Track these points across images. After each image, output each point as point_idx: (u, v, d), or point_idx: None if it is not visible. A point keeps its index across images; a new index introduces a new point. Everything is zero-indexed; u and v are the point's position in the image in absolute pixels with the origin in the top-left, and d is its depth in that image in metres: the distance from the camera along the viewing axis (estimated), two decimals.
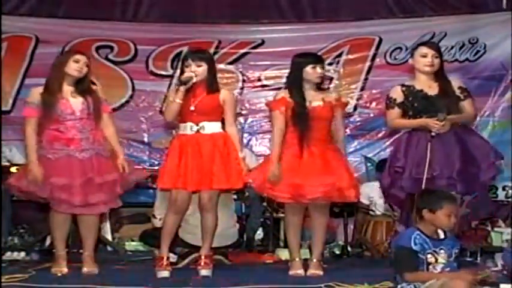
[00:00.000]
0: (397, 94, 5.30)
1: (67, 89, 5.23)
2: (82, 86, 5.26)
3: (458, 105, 5.25)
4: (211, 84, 5.27)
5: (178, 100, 5.14)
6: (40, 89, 5.24)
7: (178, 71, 5.50)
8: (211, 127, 5.24)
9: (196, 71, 5.18)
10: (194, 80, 5.15)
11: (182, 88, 5.14)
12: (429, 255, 4.23)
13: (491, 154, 5.25)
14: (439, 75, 5.27)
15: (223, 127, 5.32)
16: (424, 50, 5.29)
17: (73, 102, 5.21)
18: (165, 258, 5.24)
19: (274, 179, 5.18)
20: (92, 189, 5.16)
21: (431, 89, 5.24)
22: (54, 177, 5.11)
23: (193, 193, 5.28)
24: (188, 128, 5.23)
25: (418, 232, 4.26)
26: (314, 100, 5.28)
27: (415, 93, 5.24)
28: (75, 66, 5.21)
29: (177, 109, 5.17)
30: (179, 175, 5.16)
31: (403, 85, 5.33)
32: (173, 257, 5.66)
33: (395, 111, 5.29)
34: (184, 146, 5.21)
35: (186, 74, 5.16)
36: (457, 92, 5.28)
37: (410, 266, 4.21)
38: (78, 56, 5.25)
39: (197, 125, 5.21)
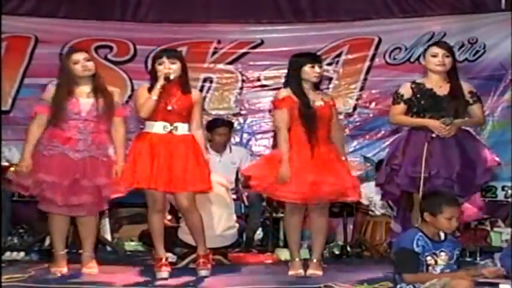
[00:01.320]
0: (406, 90, 5.30)
1: (81, 89, 5.23)
2: (96, 85, 5.24)
3: (466, 108, 5.28)
4: (186, 84, 5.27)
5: (154, 97, 5.09)
6: (55, 89, 5.24)
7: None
8: (183, 128, 5.22)
9: (171, 68, 5.16)
10: (172, 76, 5.12)
11: (159, 85, 5.10)
12: (429, 257, 4.23)
13: (489, 159, 5.28)
14: (451, 76, 5.28)
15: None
16: (435, 49, 5.30)
17: (82, 102, 5.20)
18: (163, 258, 5.24)
19: (285, 180, 5.14)
20: (77, 190, 5.14)
21: (442, 89, 5.25)
22: (42, 174, 5.12)
23: (163, 193, 5.23)
24: (161, 127, 5.18)
25: (420, 234, 4.27)
26: (316, 100, 5.29)
27: (424, 91, 5.25)
28: (79, 68, 5.20)
29: (153, 106, 5.11)
30: (152, 175, 5.11)
31: (413, 82, 5.35)
32: (172, 257, 5.66)
33: (400, 107, 5.30)
34: (156, 145, 5.16)
35: (166, 71, 5.13)
36: (467, 96, 5.29)
37: (411, 267, 4.21)
38: (74, 57, 5.24)
39: (171, 125, 5.18)
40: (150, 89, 5.19)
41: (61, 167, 5.14)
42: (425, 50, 5.42)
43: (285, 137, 5.22)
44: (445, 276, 4.17)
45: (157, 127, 5.18)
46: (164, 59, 5.18)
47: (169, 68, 5.15)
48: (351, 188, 5.28)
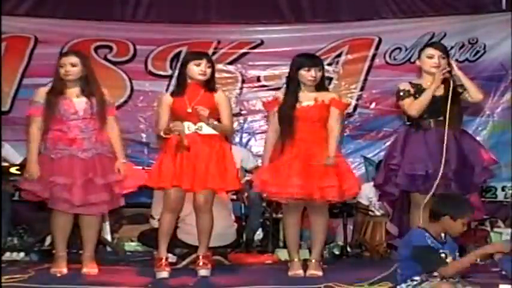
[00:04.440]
0: (409, 86, 5.30)
1: (72, 90, 5.25)
2: (86, 86, 5.26)
3: (461, 108, 5.28)
4: (210, 85, 5.32)
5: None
6: (46, 89, 5.27)
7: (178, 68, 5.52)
8: (209, 128, 5.24)
9: (206, 71, 5.26)
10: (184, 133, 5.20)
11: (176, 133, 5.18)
12: (442, 255, 4.23)
13: (486, 158, 5.28)
14: (446, 76, 5.27)
15: None
16: (430, 51, 5.30)
17: (76, 102, 5.22)
18: (163, 258, 5.24)
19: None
20: (92, 189, 5.17)
21: (438, 89, 5.24)
22: (54, 176, 5.13)
23: (187, 192, 5.27)
24: (186, 128, 5.23)
25: (427, 234, 4.26)
26: (305, 100, 5.29)
27: (422, 92, 5.24)
28: (62, 71, 5.24)
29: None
30: (174, 174, 5.17)
31: (410, 82, 5.36)
32: (172, 258, 5.65)
33: (410, 100, 5.25)
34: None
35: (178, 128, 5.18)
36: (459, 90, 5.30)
37: (440, 261, 4.20)
38: (62, 60, 5.27)
39: (195, 124, 5.22)
40: (173, 93, 5.34)
41: (72, 168, 5.16)
42: (421, 50, 5.42)
43: (267, 138, 5.41)
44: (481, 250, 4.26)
45: (183, 127, 5.23)
46: (204, 61, 5.26)
47: (205, 70, 5.24)
48: (332, 188, 5.20)
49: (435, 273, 4.19)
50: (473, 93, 5.25)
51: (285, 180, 5.19)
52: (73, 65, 5.24)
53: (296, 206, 5.33)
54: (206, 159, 5.19)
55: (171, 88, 6.50)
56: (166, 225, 5.28)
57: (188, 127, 5.22)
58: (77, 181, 5.13)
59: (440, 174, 5.00)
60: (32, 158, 5.19)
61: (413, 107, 5.22)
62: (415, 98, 5.23)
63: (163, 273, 5.18)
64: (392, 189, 5.28)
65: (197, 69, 5.24)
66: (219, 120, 5.32)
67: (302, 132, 5.24)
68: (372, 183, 6.66)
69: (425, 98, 5.18)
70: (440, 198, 4.56)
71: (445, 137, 5.08)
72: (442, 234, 4.32)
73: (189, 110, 5.20)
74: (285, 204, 5.39)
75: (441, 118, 5.17)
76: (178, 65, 5.60)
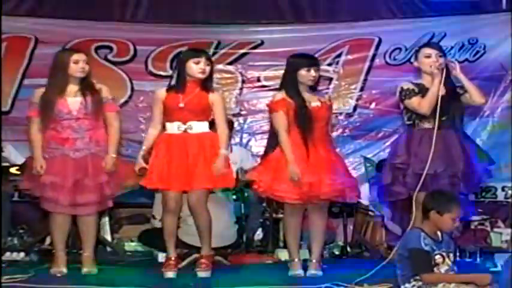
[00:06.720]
0: (412, 86, 5.30)
1: (71, 88, 5.26)
2: (84, 84, 5.28)
3: (462, 107, 5.30)
4: (207, 84, 5.32)
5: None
6: (43, 90, 5.28)
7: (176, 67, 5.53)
8: (199, 127, 5.25)
9: (206, 69, 5.25)
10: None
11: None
12: (437, 256, 4.24)
13: (486, 160, 5.29)
14: (445, 75, 5.27)
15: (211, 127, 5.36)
16: (427, 50, 5.31)
17: (70, 102, 5.23)
18: (172, 258, 5.25)
19: (295, 178, 5.15)
20: (81, 190, 5.18)
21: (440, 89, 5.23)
22: (45, 175, 5.14)
23: (183, 193, 5.29)
24: (175, 128, 5.24)
25: (423, 233, 4.27)
26: (312, 101, 5.31)
27: (425, 90, 5.24)
28: (77, 68, 5.24)
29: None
30: (166, 175, 5.19)
31: (411, 82, 5.36)
32: None
33: (418, 98, 5.24)
34: (171, 145, 5.23)
35: (199, 72, 5.21)
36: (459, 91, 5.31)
37: (427, 266, 4.20)
38: (76, 57, 5.27)
39: (185, 124, 5.22)
40: (169, 89, 5.34)
41: (63, 168, 5.18)
42: (417, 51, 5.43)
43: (286, 138, 5.24)
44: (461, 278, 4.20)
45: (173, 127, 5.24)
46: (203, 59, 5.25)
47: (204, 68, 5.24)
48: (349, 188, 5.31)
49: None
50: (475, 96, 5.26)
51: (300, 181, 5.17)
52: (86, 62, 5.27)
53: (299, 207, 5.34)
54: (196, 159, 5.20)
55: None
56: (169, 226, 5.30)
57: (178, 127, 5.23)
58: (66, 181, 5.15)
59: (424, 173, 5.02)
60: (37, 154, 5.21)
61: (424, 104, 5.21)
62: (421, 96, 5.23)
63: (170, 273, 5.20)
64: (400, 189, 5.28)
65: (196, 68, 5.23)
66: (212, 120, 5.32)
67: (315, 132, 5.27)
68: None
69: (433, 94, 5.17)
70: (427, 195, 4.57)
71: (435, 131, 5.10)
72: (439, 233, 4.33)
73: (181, 105, 5.20)
74: (289, 204, 5.36)
75: (444, 118, 5.17)
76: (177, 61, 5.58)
